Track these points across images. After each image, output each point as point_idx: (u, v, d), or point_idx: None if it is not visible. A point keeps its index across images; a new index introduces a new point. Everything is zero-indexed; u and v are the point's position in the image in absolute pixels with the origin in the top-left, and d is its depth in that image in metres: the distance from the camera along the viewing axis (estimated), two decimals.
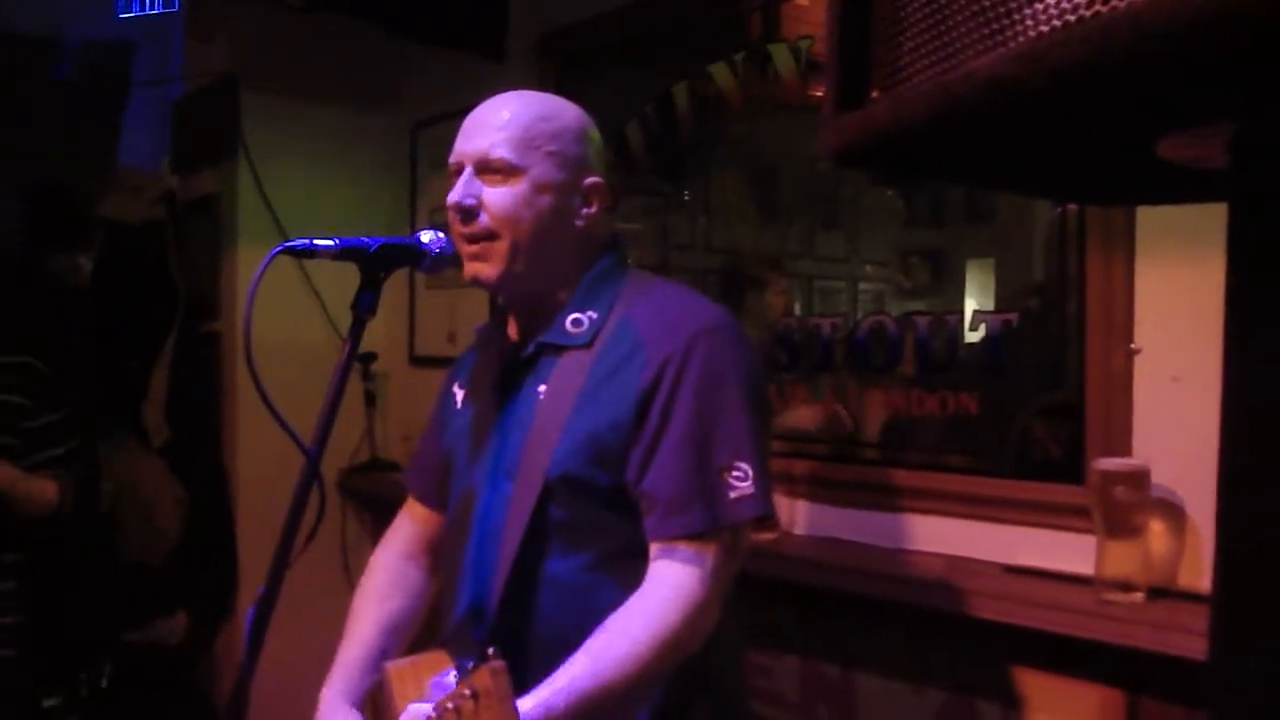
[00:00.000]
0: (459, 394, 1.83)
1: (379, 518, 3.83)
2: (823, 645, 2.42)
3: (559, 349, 1.62)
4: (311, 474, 1.44)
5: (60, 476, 2.68)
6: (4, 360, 2.74)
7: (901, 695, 2.28)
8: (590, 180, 1.65)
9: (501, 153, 1.57)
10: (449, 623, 1.70)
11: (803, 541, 2.49)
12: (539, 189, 1.59)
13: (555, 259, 1.63)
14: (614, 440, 1.55)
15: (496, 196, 1.58)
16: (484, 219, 1.58)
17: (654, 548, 1.54)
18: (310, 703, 1.75)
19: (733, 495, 1.52)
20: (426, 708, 1.35)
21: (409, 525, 1.93)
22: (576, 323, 1.62)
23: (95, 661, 2.99)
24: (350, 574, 3.70)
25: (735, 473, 1.52)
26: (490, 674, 1.21)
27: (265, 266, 1.38)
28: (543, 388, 1.61)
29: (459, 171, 1.62)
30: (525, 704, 1.35)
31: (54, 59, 4.46)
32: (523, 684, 1.35)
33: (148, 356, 3.75)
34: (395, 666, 1.68)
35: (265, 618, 1.42)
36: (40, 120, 4.07)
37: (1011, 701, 2.11)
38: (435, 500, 1.87)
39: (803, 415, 2.59)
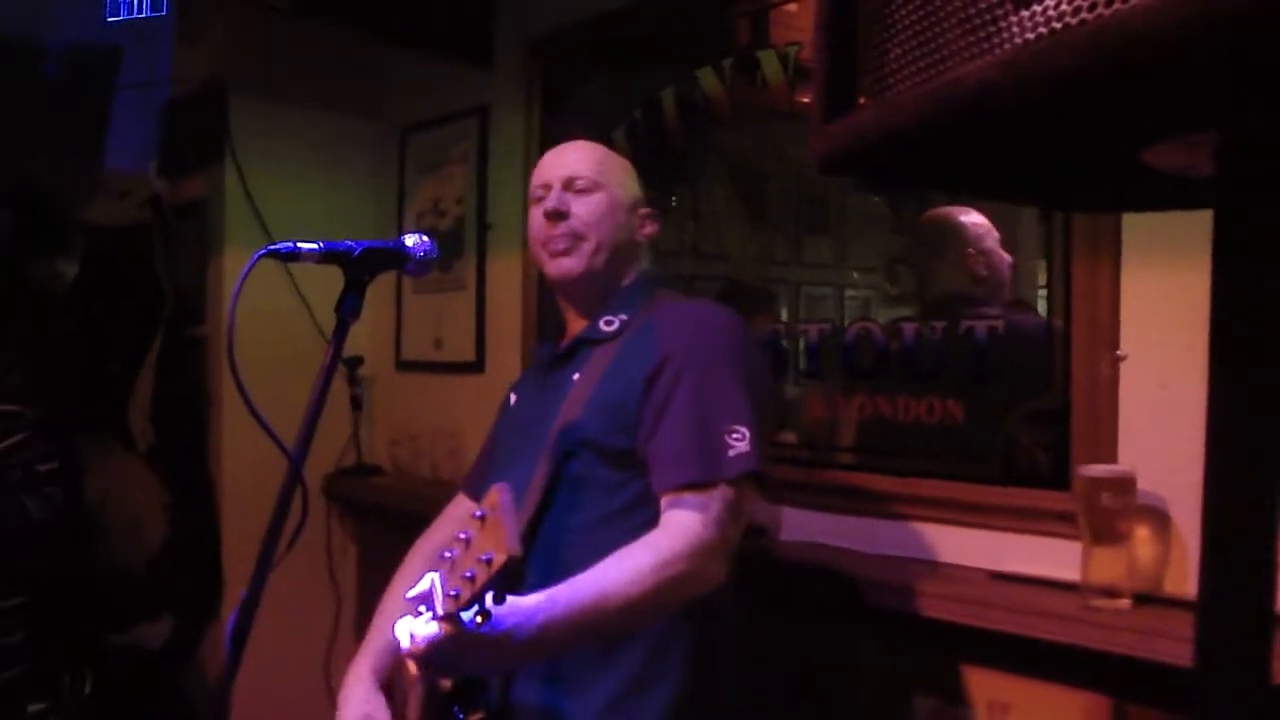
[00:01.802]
0: (513, 398, 2.14)
1: (364, 522, 3.83)
2: (809, 652, 2.42)
3: (592, 343, 1.92)
4: (295, 478, 1.44)
5: (38, 490, 2.65)
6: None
7: (888, 702, 2.28)
8: (644, 210, 2.04)
9: (586, 172, 1.94)
10: None
11: (789, 547, 2.49)
12: (614, 204, 1.95)
13: (619, 264, 1.97)
14: (628, 409, 1.78)
15: (584, 204, 1.93)
16: (573, 222, 1.91)
17: (663, 502, 1.71)
18: (294, 706, 1.74)
19: (731, 453, 1.70)
20: (437, 572, 1.42)
21: (449, 521, 2.13)
22: (608, 322, 1.93)
23: (79, 666, 2.97)
24: (335, 578, 3.69)
25: (734, 434, 1.72)
26: (496, 492, 1.31)
27: (249, 270, 1.38)
28: (576, 375, 1.89)
29: (542, 196, 1.95)
30: (527, 601, 1.46)
31: (40, 61, 4.44)
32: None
33: (133, 360, 3.74)
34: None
35: (247, 622, 1.42)
36: (26, 123, 4.05)
37: (997, 708, 2.11)
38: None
39: (789, 421, 2.58)
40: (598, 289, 1.96)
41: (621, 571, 1.57)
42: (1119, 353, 2.01)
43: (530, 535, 1.73)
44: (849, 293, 2.57)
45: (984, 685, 2.13)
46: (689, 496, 1.69)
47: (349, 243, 1.53)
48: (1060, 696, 2.01)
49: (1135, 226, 1.99)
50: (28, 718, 2.80)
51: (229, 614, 1.45)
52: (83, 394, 3.42)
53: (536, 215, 1.95)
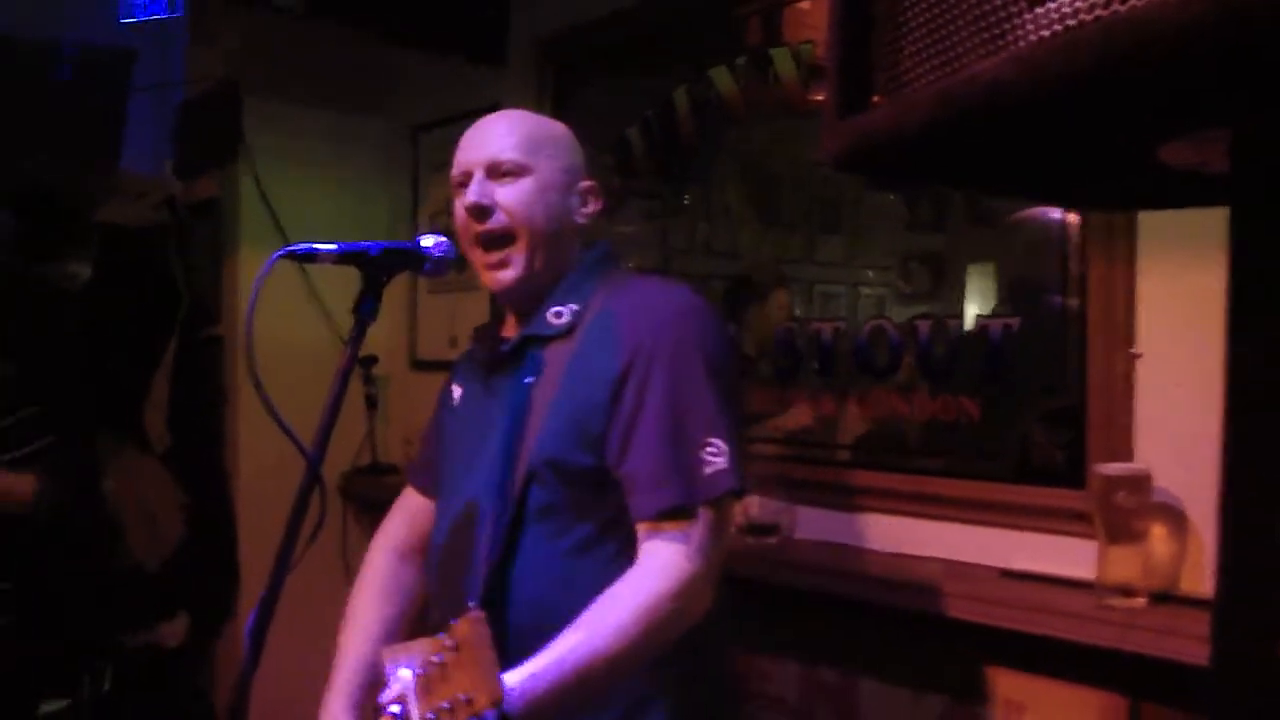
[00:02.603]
0: (457, 391, 1.90)
1: (380, 521, 3.83)
2: (823, 650, 2.42)
3: (542, 340, 1.70)
4: (312, 477, 1.44)
5: (39, 474, 2.68)
6: None
7: (902, 700, 2.27)
8: (585, 183, 1.77)
9: (510, 154, 1.68)
10: (438, 608, 1.74)
11: (803, 546, 2.49)
12: (545, 187, 1.70)
13: (562, 255, 1.73)
14: (594, 421, 1.60)
15: (510, 193, 1.67)
16: (500, 216, 1.67)
17: (641, 531, 1.58)
18: (311, 705, 1.75)
19: (708, 471, 1.56)
20: (412, 656, 1.37)
21: (405, 522, 1.98)
22: (557, 314, 1.70)
23: (96, 665, 2.98)
24: (351, 577, 3.68)
25: (709, 449, 1.57)
26: (469, 623, 1.25)
27: (267, 271, 1.38)
28: (529, 379, 1.67)
29: (464, 182, 1.69)
30: (512, 677, 1.37)
31: (55, 64, 4.46)
32: (507, 665, 1.37)
33: (148, 361, 3.75)
34: (391, 654, 1.69)
35: (266, 621, 1.42)
36: (41, 125, 4.07)
37: (1012, 707, 2.11)
38: (432, 489, 1.91)
39: (804, 420, 2.58)
40: (541, 288, 1.73)
41: (606, 631, 1.46)
42: (1134, 350, 2.01)
43: (496, 572, 1.59)
44: (863, 291, 2.57)
45: (999, 684, 2.13)
46: (669, 527, 1.55)
47: (366, 243, 1.53)
48: (1076, 695, 2.01)
49: (1150, 223, 1.99)
50: (42, 718, 2.81)
51: (245, 612, 1.45)
52: (98, 394, 3.44)
53: (459, 209, 1.71)
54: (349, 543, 3.68)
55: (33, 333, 2.88)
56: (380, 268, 1.53)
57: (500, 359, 1.74)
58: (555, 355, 1.68)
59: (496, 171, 1.68)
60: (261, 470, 3.48)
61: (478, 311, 3.42)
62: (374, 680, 1.74)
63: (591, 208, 1.77)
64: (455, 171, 1.72)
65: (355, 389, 3.65)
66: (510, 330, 1.79)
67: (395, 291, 1.62)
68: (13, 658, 2.76)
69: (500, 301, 1.82)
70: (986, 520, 2.23)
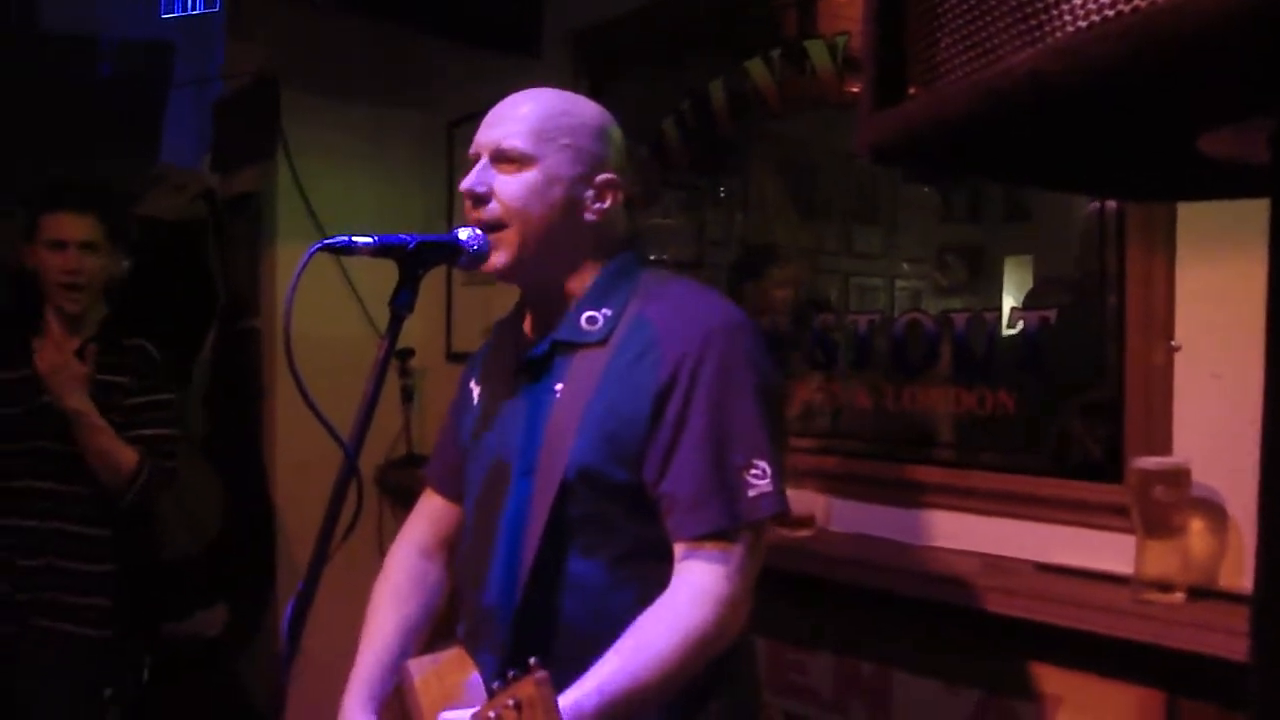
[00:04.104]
0: (475, 390, 1.85)
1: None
2: (858, 643, 2.41)
3: (573, 346, 1.63)
4: (350, 469, 1.44)
5: (144, 457, 2.73)
6: (125, 343, 2.82)
7: (936, 694, 2.27)
8: (604, 176, 1.66)
9: (515, 142, 1.61)
10: (467, 620, 1.71)
11: (837, 539, 2.48)
12: (550, 180, 1.61)
13: (565, 250, 1.65)
14: (630, 437, 1.56)
15: (508, 184, 1.61)
16: (494, 206, 1.60)
17: (678, 549, 1.55)
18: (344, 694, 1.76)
19: (752, 493, 1.52)
20: (464, 714, 1.35)
21: (427, 520, 1.94)
22: (591, 320, 1.63)
23: (139, 653, 3.02)
24: None
25: (754, 471, 1.53)
26: (535, 684, 1.20)
27: (305, 264, 1.39)
28: (559, 386, 1.62)
29: (476, 160, 1.65)
30: None
31: (96, 59, 4.52)
32: None
33: (188, 353, 3.79)
34: (418, 667, 1.68)
35: (304, 612, 1.43)
36: (82, 119, 4.12)
37: (1049, 701, 2.10)
38: (454, 493, 1.88)
39: (838, 412, 2.58)
40: (544, 285, 1.69)
41: (646, 659, 1.44)
42: (1173, 343, 1.99)
43: (528, 588, 1.56)
44: (899, 283, 2.56)
45: (1035, 678, 2.11)
46: (708, 548, 1.52)
47: (403, 236, 1.53)
48: (1113, 690, 2.00)
49: (1190, 214, 1.97)
50: (104, 701, 2.86)
51: (282, 602, 1.46)
52: None
53: (462, 185, 1.66)
54: (385, 534, 3.70)
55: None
56: (416, 260, 1.53)
57: (527, 363, 1.68)
58: (587, 362, 1.61)
59: (501, 158, 1.62)
60: (299, 462, 3.51)
61: (512, 304, 3.43)
62: (392, 682, 1.74)
63: (607, 203, 1.66)
64: (470, 150, 1.68)
65: (391, 381, 3.67)
66: (532, 328, 1.74)
67: (430, 284, 1.62)
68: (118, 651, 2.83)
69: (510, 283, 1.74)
70: (1023, 514, 2.22)
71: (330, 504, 1.44)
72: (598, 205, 1.65)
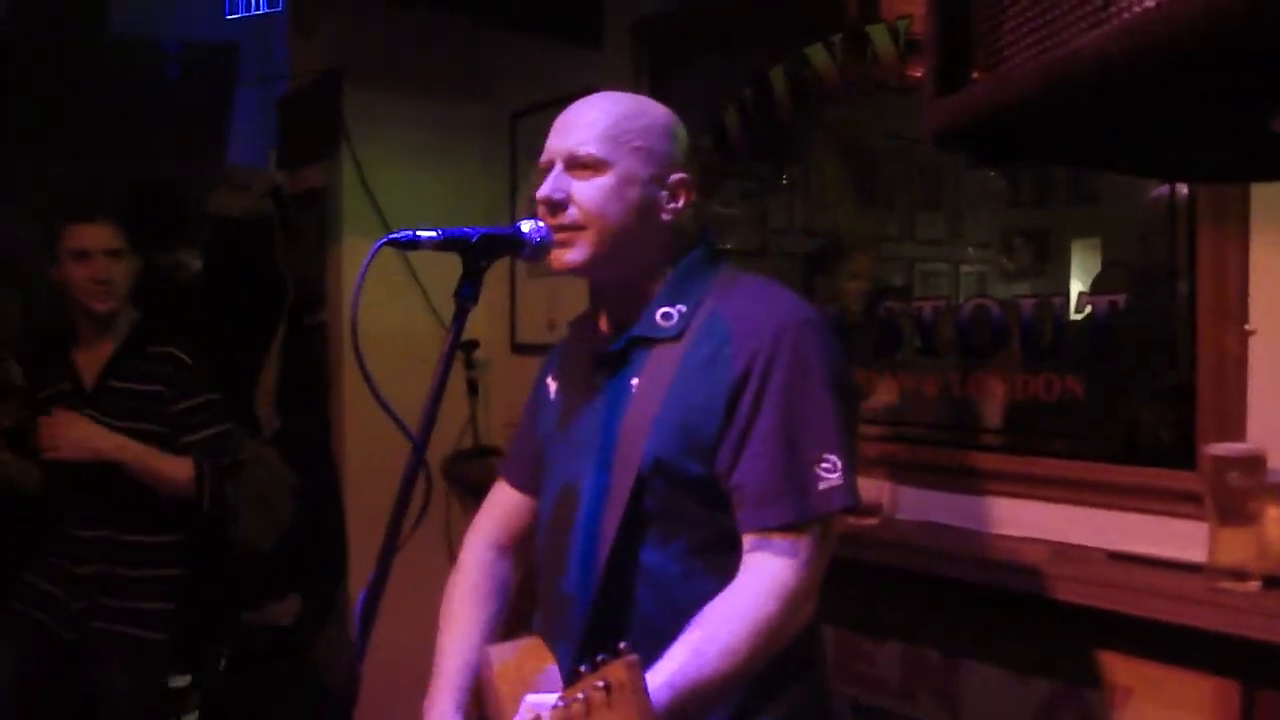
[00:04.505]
0: (552, 385, 1.86)
1: (481, 503, 3.89)
2: (925, 632, 2.40)
3: (649, 342, 1.65)
4: (418, 461, 1.46)
5: (199, 461, 2.78)
6: (152, 351, 2.86)
7: (1006, 684, 2.25)
8: (677, 176, 1.68)
9: (589, 149, 1.61)
10: (545, 610, 1.73)
11: (904, 526, 2.47)
12: (626, 183, 1.62)
13: (642, 250, 1.66)
14: (705, 431, 1.57)
15: (585, 190, 1.61)
16: (572, 212, 1.61)
17: (747, 540, 1.56)
18: (417, 684, 1.78)
19: (822, 486, 1.53)
20: (551, 698, 1.36)
21: (500, 514, 1.96)
22: (666, 316, 1.65)
23: (216, 643, 3.09)
24: (454, 558, 3.74)
25: (824, 464, 1.54)
26: (625, 667, 1.21)
27: (371, 258, 1.41)
28: (635, 380, 1.64)
29: (549, 168, 1.66)
30: None
31: (163, 61, 4.60)
32: None
33: (257, 348, 3.85)
34: (499, 654, 1.70)
35: (375, 602, 1.45)
36: (151, 121, 4.20)
37: (1120, 691, 2.07)
38: (528, 486, 1.90)
39: (904, 399, 2.56)
40: (620, 284, 1.70)
41: (715, 652, 1.45)
42: (1247, 327, 1.95)
43: (603, 580, 1.58)
44: (964, 268, 2.53)
45: (1106, 668, 2.09)
46: (777, 539, 1.53)
47: (467, 229, 1.54)
48: (1186, 680, 1.97)
49: (1264, 195, 1.93)
50: (171, 692, 2.92)
51: (354, 592, 1.49)
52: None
53: (539, 194, 1.66)
54: (452, 524, 3.74)
55: (157, 322, 2.98)
56: (480, 253, 1.54)
57: (604, 359, 1.69)
58: (662, 357, 1.63)
59: (575, 164, 1.62)
60: (367, 454, 3.55)
61: (576, 295, 3.44)
62: (475, 680, 1.76)
63: (682, 202, 1.68)
64: (542, 158, 1.68)
65: (457, 373, 3.70)
66: (607, 324, 1.75)
67: (495, 276, 1.63)
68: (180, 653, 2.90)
69: (582, 278, 1.75)
70: (1093, 501, 2.20)
71: (399, 495, 1.46)
72: (672, 205, 1.67)
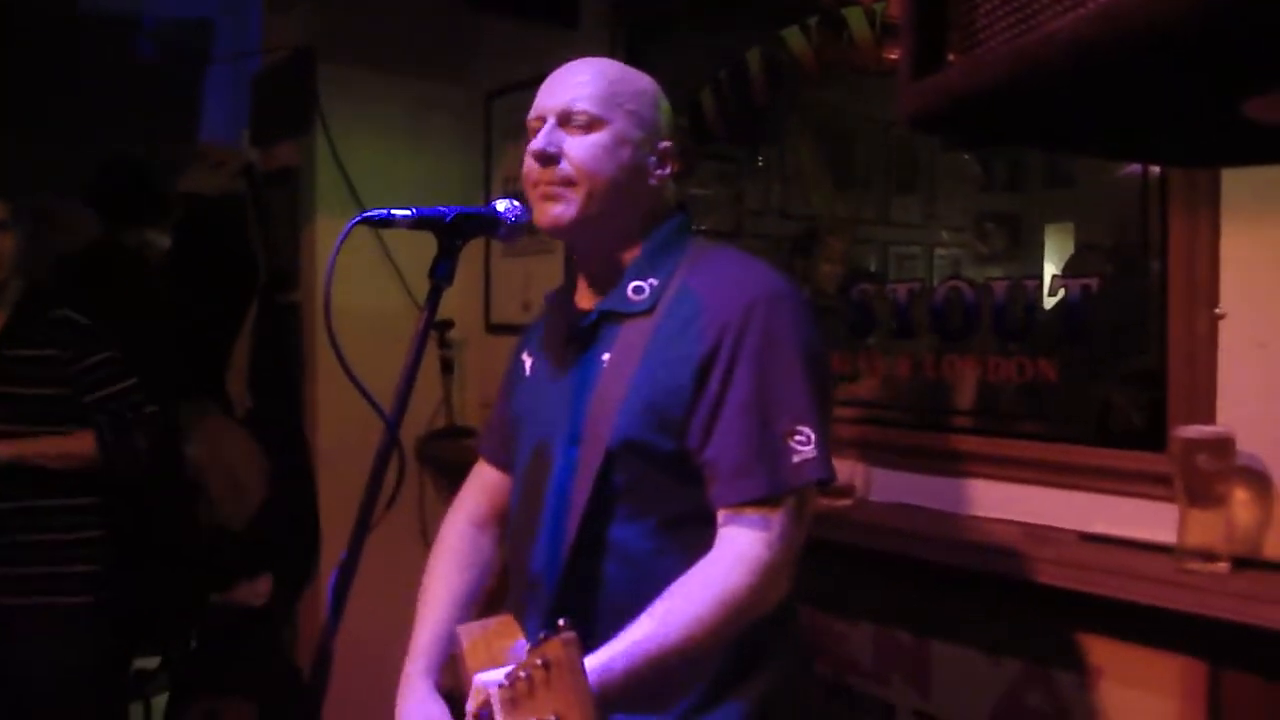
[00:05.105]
0: (527, 361, 1.86)
1: (456, 483, 3.84)
2: (898, 613, 2.41)
3: (620, 316, 1.64)
4: (391, 441, 1.46)
5: (99, 425, 2.78)
6: (50, 316, 2.87)
7: (977, 664, 2.27)
8: (664, 144, 1.69)
9: (585, 105, 1.61)
10: (515, 587, 1.74)
11: (878, 508, 2.48)
12: (619, 142, 1.63)
13: (627, 213, 1.66)
14: (675, 406, 1.56)
15: (579, 145, 1.61)
16: (565, 167, 1.61)
17: (720, 514, 1.56)
18: (390, 664, 1.78)
19: (795, 459, 1.53)
20: (498, 674, 1.37)
21: (480, 491, 1.96)
22: (638, 290, 1.65)
23: (184, 624, 3.08)
24: (427, 538, 3.75)
25: (797, 437, 1.53)
26: (561, 644, 1.22)
27: (344, 237, 1.40)
28: (606, 355, 1.63)
29: (538, 127, 1.65)
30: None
31: (135, 39, 4.56)
32: (588, 649, 1.36)
33: (229, 327, 3.83)
34: (467, 633, 1.70)
35: (348, 581, 1.45)
36: (123, 98, 4.16)
37: (1089, 671, 2.09)
38: (506, 464, 1.90)
39: (878, 381, 2.57)
40: (601, 249, 1.69)
41: (682, 621, 1.45)
42: (1217, 310, 1.97)
43: (573, 555, 1.57)
44: (938, 252, 2.54)
45: (1077, 648, 2.11)
46: (749, 514, 1.53)
47: (442, 208, 1.54)
48: (1155, 660, 1.99)
49: (1235, 180, 1.94)
50: (136, 675, 2.91)
51: (325, 572, 1.48)
52: (181, 361, 3.52)
53: (526, 154, 1.65)
54: (426, 504, 3.74)
55: (123, 301, 2.97)
56: (455, 232, 1.54)
57: (576, 334, 1.69)
58: (633, 332, 1.62)
59: (569, 121, 1.62)
60: (340, 434, 3.54)
61: (551, 275, 3.44)
62: (449, 649, 1.76)
63: (668, 170, 1.70)
64: (531, 115, 1.67)
65: (431, 353, 3.70)
66: (584, 298, 1.75)
67: (469, 256, 1.62)
68: (109, 614, 2.86)
69: (567, 249, 1.74)
70: (1065, 483, 2.21)
71: (372, 475, 1.46)
72: (659, 172, 1.68)
